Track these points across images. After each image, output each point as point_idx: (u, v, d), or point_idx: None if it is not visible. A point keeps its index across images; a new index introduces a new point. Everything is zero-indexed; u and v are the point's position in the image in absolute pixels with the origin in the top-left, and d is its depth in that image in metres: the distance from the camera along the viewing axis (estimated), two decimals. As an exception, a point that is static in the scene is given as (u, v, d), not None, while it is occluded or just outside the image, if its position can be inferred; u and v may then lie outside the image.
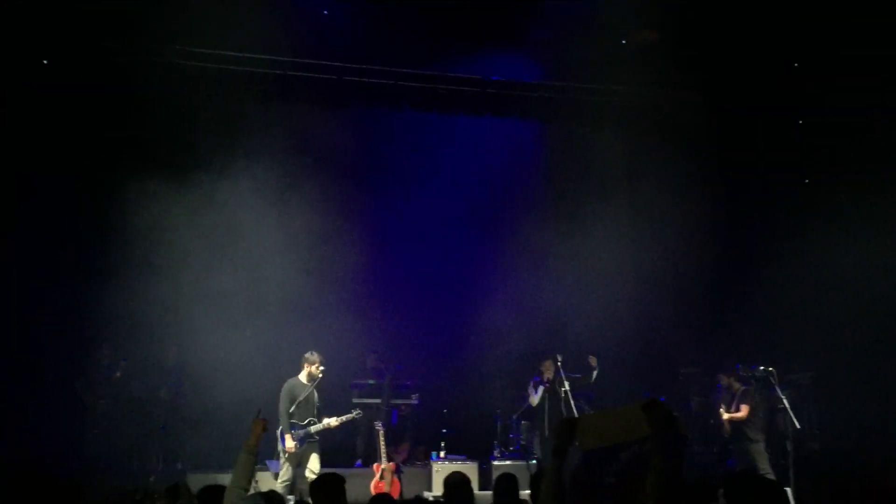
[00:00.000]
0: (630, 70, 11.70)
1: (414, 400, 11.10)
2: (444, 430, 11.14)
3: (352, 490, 5.47)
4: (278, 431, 8.90)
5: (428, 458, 10.65)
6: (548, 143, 12.77)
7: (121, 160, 10.90)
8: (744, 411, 9.75)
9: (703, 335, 11.95)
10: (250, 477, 5.09)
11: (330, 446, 9.66)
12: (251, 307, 10.96)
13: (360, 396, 10.92)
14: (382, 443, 9.67)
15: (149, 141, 10.97)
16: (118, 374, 10.14)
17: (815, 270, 11.23)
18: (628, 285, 12.24)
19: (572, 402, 9.40)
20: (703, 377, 11.74)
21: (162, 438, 10.17)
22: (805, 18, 11.06)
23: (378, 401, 10.91)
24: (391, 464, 9.72)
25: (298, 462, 8.92)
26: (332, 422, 9.20)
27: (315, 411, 9.15)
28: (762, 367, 9.62)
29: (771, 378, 9.49)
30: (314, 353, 9.23)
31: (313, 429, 9.05)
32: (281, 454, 8.97)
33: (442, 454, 10.51)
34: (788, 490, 8.39)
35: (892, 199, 11.17)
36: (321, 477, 5.41)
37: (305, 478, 8.71)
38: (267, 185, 11.28)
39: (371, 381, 11.07)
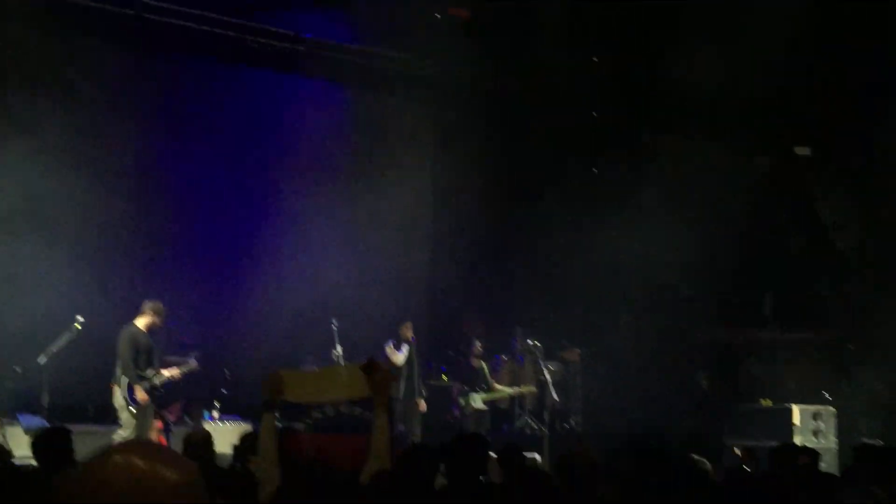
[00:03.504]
0: (442, 44, 11.86)
1: (192, 358, 10.70)
2: (224, 391, 10.86)
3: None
4: (123, 383, 8.38)
5: (201, 417, 10.36)
6: (355, 108, 12.71)
7: None
8: None
9: (488, 304, 12.41)
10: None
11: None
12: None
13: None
14: (152, 401, 9.29)
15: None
16: None
17: (597, 255, 11.91)
18: (423, 249, 12.47)
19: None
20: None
21: None
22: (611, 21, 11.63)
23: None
24: (158, 423, 9.36)
25: (143, 416, 8.48)
26: (175, 373, 8.86)
27: (156, 363, 8.74)
28: (530, 341, 10.13)
29: (537, 352, 10.02)
30: (157, 301, 8.81)
31: (157, 381, 8.59)
32: (123, 409, 8.44)
33: (216, 414, 10.27)
34: (538, 456, 8.88)
35: (677, 196, 12.04)
36: (46, 431, 5.13)
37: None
38: (54, 129, 10.45)
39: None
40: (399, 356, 10.40)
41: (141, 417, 8.51)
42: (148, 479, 1.25)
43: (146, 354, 8.68)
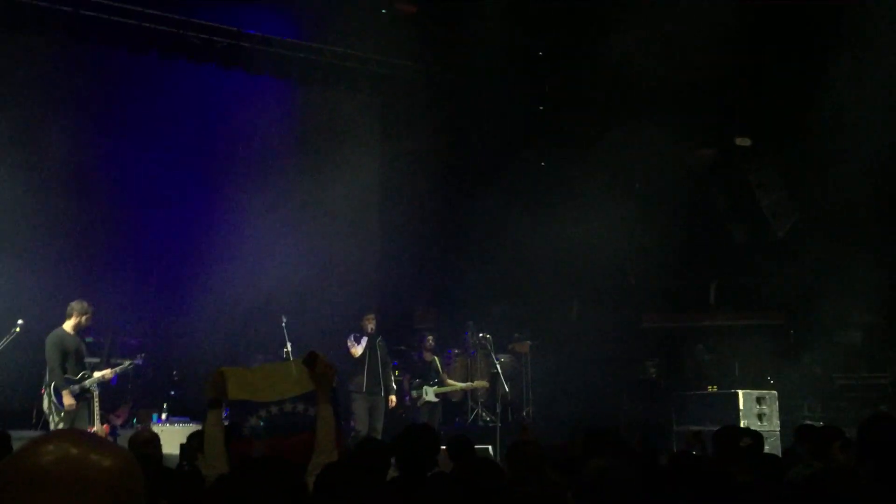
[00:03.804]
0: (387, 38, 11.85)
1: (139, 360, 10.51)
2: (172, 393, 10.69)
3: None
4: (50, 388, 8.19)
5: (150, 420, 10.18)
6: (300, 104, 12.62)
7: None
8: None
9: (439, 298, 12.44)
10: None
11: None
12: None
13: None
14: (96, 404, 9.10)
15: None
16: None
17: (546, 246, 12.02)
18: (372, 244, 12.45)
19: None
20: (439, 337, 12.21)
21: None
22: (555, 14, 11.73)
23: (96, 360, 10.22)
24: (105, 426, 9.18)
25: (73, 421, 8.26)
26: (107, 373, 8.65)
27: (85, 364, 8.54)
28: (481, 334, 10.18)
29: (487, 345, 10.08)
30: (82, 301, 8.53)
31: (88, 383, 8.41)
32: (52, 414, 8.26)
33: (164, 416, 10.10)
34: (490, 448, 8.96)
35: (623, 187, 12.20)
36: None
37: None
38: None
39: (89, 339, 10.34)
40: (357, 348, 10.29)
41: (70, 422, 8.33)
42: (81, 465, 1.23)
43: (75, 357, 8.45)
